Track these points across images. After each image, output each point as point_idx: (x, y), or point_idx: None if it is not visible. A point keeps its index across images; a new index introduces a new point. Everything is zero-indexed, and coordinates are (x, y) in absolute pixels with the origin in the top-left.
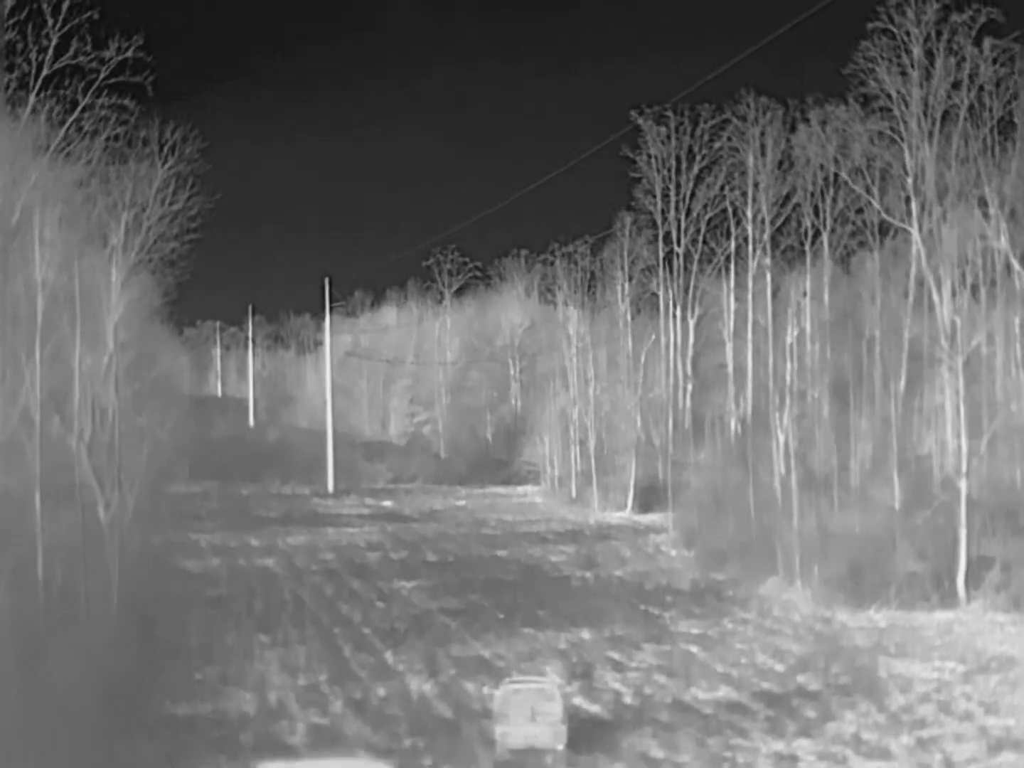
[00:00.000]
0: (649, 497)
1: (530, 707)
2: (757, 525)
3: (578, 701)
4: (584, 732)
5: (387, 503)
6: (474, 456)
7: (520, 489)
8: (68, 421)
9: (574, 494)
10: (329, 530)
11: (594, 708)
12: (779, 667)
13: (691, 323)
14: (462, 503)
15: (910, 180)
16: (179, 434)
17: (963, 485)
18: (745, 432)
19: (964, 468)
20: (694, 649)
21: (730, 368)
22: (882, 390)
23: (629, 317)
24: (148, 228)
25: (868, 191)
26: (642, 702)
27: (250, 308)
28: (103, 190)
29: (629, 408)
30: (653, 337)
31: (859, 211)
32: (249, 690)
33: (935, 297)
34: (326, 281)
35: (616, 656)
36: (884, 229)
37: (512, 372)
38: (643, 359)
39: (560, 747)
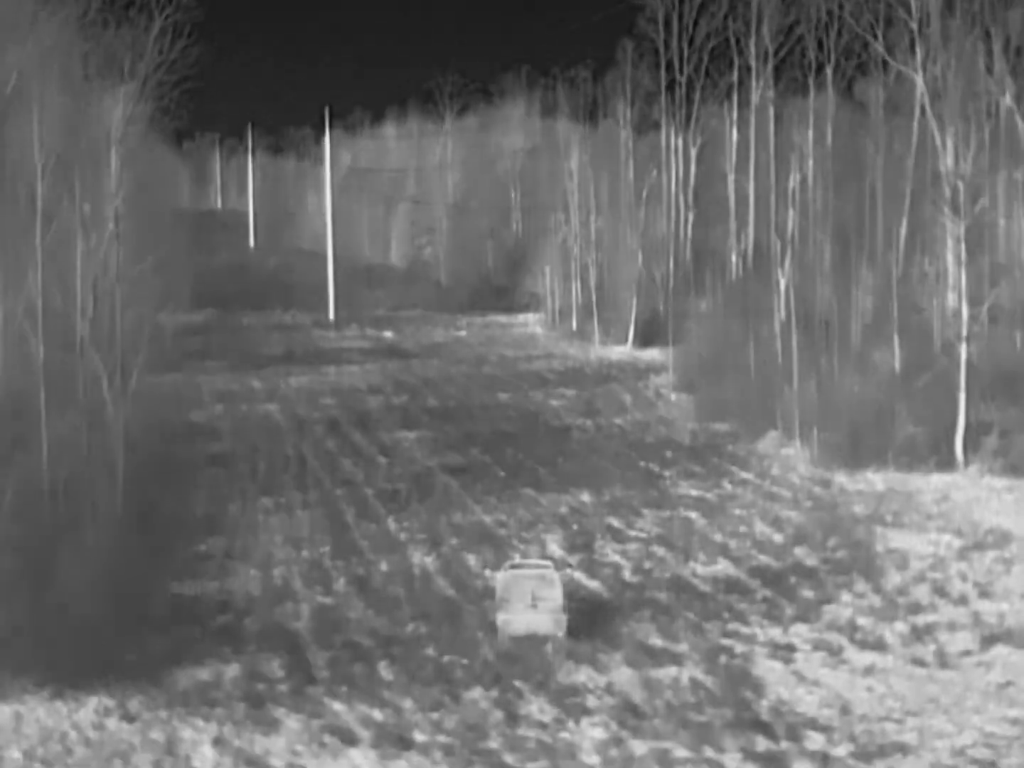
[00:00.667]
0: (649, 332)
1: (531, 593)
2: (757, 379)
3: (579, 576)
4: (584, 615)
5: (388, 334)
6: (475, 283)
7: (521, 318)
8: (71, 298)
9: (575, 327)
10: (331, 369)
11: (594, 584)
12: (777, 537)
13: (693, 153)
14: (462, 334)
15: (914, 24)
16: (180, 263)
17: (963, 350)
18: (747, 275)
19: (964, 333)
20: (693, 515)
21: (732, 201)
22: (884, 241)
23: (631, 144)
24: (145, 77)
25: (872, 31)
26: (641, 579)
27: (250, 126)
28: (99, 50)
29: (630, 243)
30: (655, 172)
31: (865, 45)
32: (254, 566)
33: (938, 144)
34: (326, 111)
35: (616, 523)
36: (889, 66)
37: (513, 196)
38: (644, 195)
39: (560, 634)
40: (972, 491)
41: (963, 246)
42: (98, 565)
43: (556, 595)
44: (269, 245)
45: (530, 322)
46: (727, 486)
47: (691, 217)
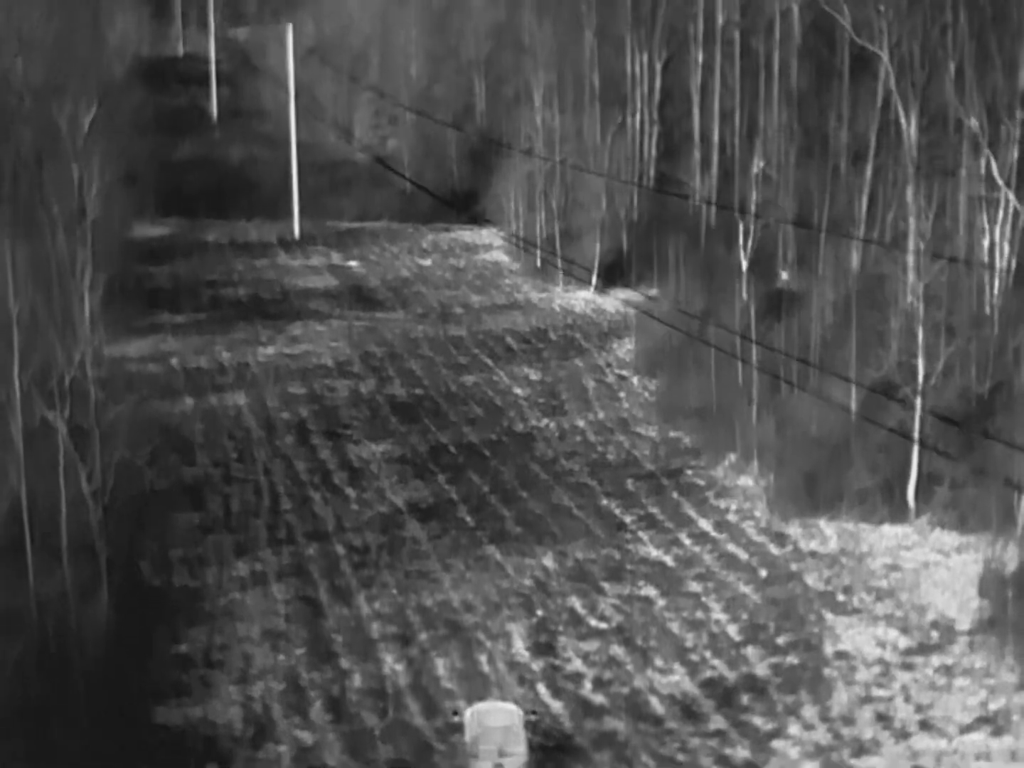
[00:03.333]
0: (613, 272)
1: (497, 749)
2: (717, 385)
3: (542, 691)
4: (548, 755)
5: (353, 264)
6: (439, 191)
7: (485, 235)
8: None
9: (539, 264)
10: (297, 331)
11: (556, 706)
12: (732, 630)
13: (658, 67)
14: (427, 263)
15: (882, 6)
16: (145, 165)
17: (918, 403)
18: (708, 242)
19: (920, 388)
20: (652, 594)
21: (696, 130)
22: (846, 212)
23: (596, 58)
24: None
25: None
26: (602, 697)
27: None
28: None
29: (594, 186)
30: (620, 120)
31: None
32: (233, 680)
33: (902, 121)
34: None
35: (578, 607)
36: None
37: (477, 89)
38: (609, 140)
39: None
40: (922, 553)
41: (921, 305)
42: (87, 704)
43: (521, 751)
44: (231, 115)
45: (495, 244)
46: (686, 541)
47: (655, 132)
